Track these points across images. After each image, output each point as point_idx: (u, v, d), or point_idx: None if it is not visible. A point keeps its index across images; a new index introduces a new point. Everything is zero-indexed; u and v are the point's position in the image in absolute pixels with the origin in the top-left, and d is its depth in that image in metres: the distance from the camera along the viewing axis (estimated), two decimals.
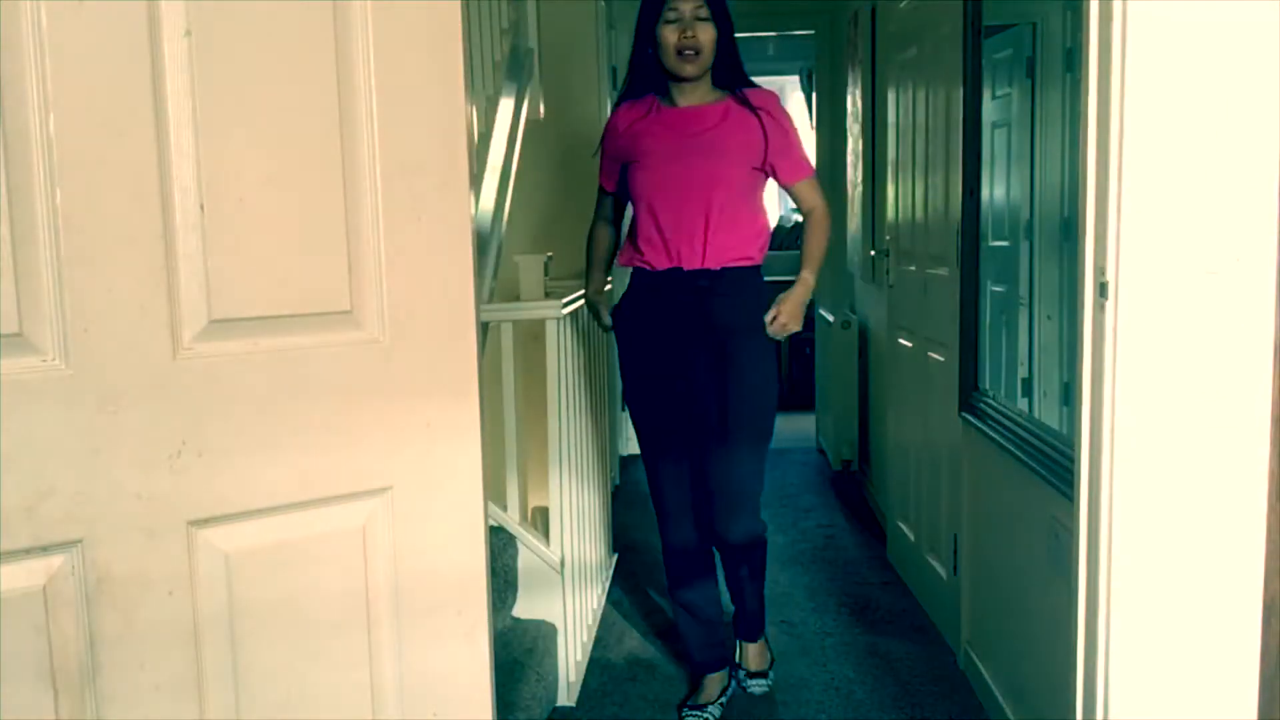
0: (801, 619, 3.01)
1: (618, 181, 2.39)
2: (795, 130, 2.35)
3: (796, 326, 2.27)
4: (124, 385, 1.02)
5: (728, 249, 2.25)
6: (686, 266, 2.25)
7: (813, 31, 5.01)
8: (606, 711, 2.49)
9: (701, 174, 2.24)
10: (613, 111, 2.43)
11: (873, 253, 4.02)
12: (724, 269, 2.25)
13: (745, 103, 2.28)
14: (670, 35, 2.20)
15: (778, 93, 2.38)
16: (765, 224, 2.34)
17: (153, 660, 1.06)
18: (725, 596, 2.57)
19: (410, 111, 1.17)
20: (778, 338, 2.29)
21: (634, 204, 2.34)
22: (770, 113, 2.30)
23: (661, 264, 2.27)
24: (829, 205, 2.40)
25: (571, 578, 2.58)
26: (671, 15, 2.20)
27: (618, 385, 4.81)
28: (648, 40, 2.24)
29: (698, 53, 2.20)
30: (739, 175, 2.26)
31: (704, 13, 2.20)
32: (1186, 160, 1.31)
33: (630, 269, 2.38)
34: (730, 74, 2.29)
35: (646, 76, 2.29)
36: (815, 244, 2.35)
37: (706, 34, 2.20)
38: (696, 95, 2.29)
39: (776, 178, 2.34)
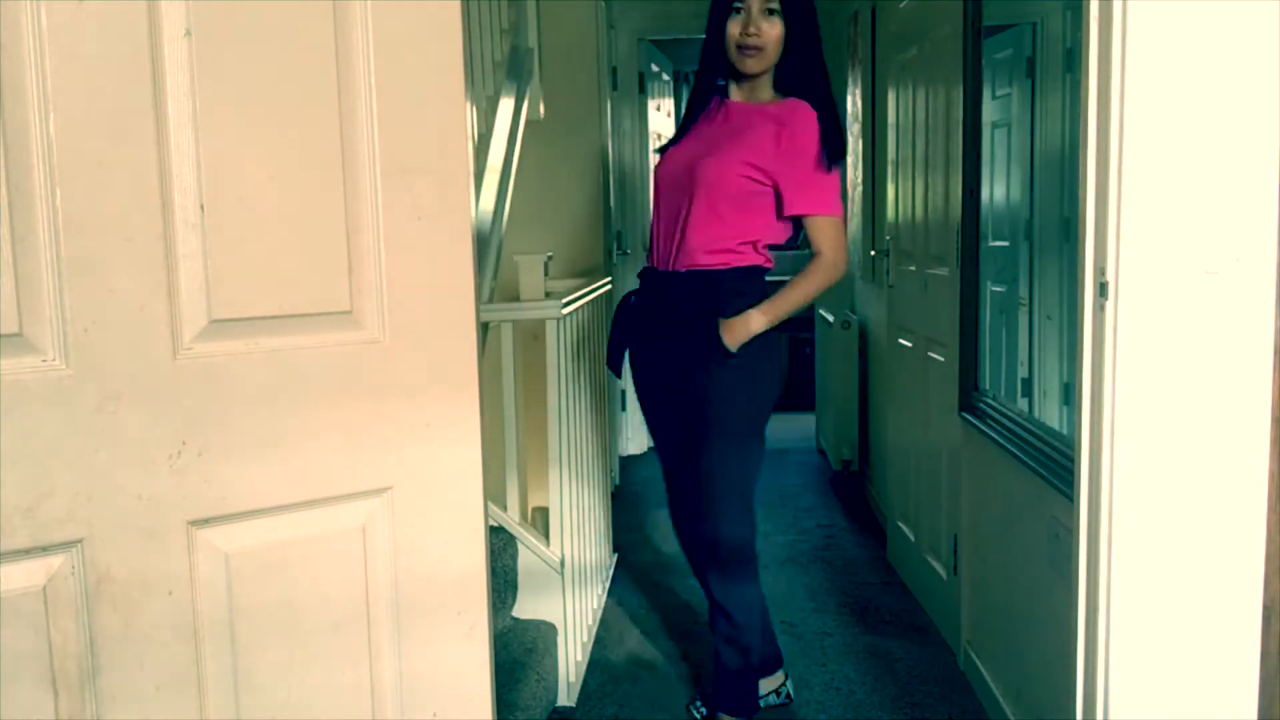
0: (801, 619, 3.01)
1: None
2: (818, 158, 2.09)
3: (730, 347, 2.07)
4: (124, 385, 1.02)
5: (693, 252, 2.12)
6: (660, 267, 2.20)
7: (813, 75, 5.00)
8: (606, 711, 2.49)
9: (689, 173, 2.14)
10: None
11: (873, 253, 4.02)
12: (690, 271, 2.13)
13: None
14: (733, 28, 2.10)
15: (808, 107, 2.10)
16: (746, 230, 2.13)
17: (153, 660, 1.06)
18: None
19: (410, 111, 1.17)
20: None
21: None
22: (788, 126, 2.09)
23: (655, 264, 2.24)
24: (843, 258, 2.14)
25: (571, 578, 2.58)
26: (738, 4, 2.09)
27: (617, 385, 4.81)
28: (716, 30, 2.13)
29: (760, 50, 2.08)
30: (728, 177, 2.10)
31: (774, 3, 2.08)
32: (1186, 160, 1.31)
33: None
34: (796, 78, 2.13)
35: (715, 66, 2.18)
36: (793, 286, 2.11)
37: (773, 30, 2.08)
38: (752, 93, 2.18)
39: (780, 204, 2.10)
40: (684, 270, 2.13)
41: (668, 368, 2.20)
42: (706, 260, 2.12)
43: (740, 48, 2.09)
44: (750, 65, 2.10)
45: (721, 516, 2.16)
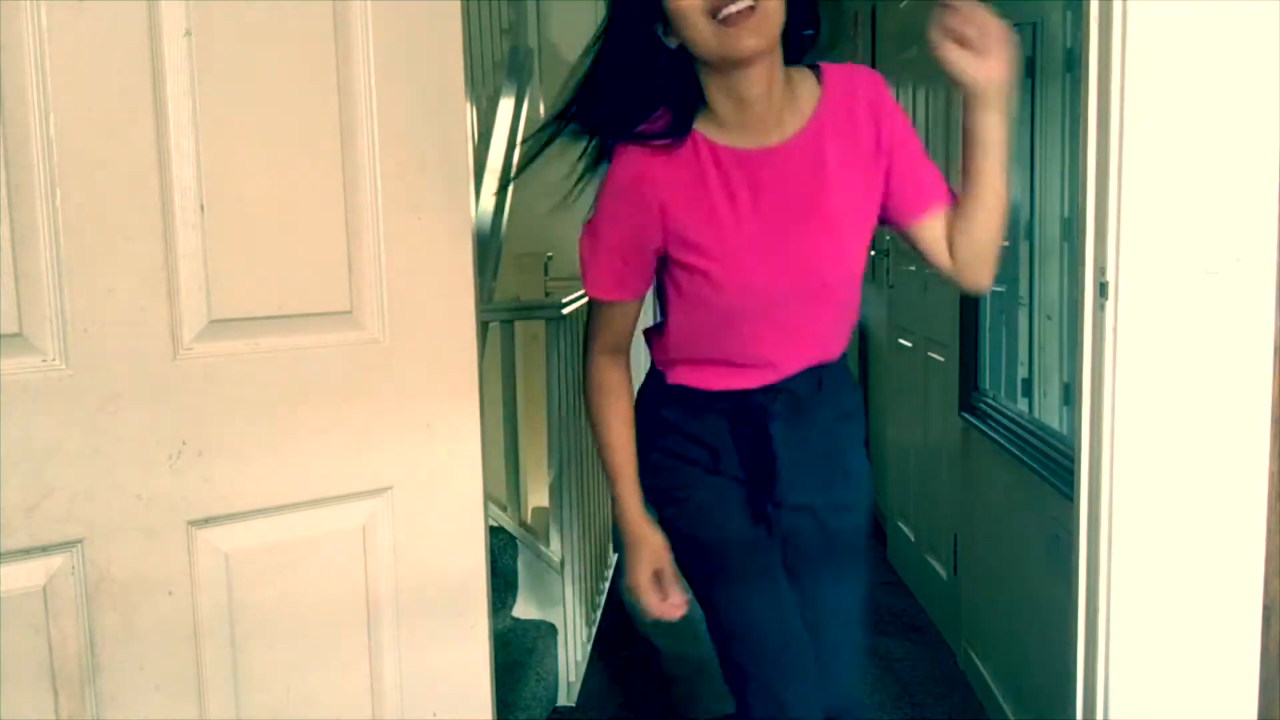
0: None
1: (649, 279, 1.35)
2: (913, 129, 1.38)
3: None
4: (124, 385, 1.02)
5: (837, 344, 1.43)
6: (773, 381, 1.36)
7: (813, 32, 5.01)
8: (606, 711, 2.49)
9: (812, 270, 1.31)
10: (618, 162, 1.27)
11: (873, 253, 4.02)
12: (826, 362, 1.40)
13: (842, 94, 1.30)
14: None
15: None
16: None
17: (153, 660, 1.06)
18: None
19: (410, 111, 1.17)
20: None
21: (684, 312, 1.34)
22: (864, 107, 1.31)
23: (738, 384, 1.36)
24: None
25: (571, 578, 2.58)
26: None
27: None
28: (649, 19, 1.18)
29: (753, 7, 1.13)
30: (862, 249, 1.35)
31: None
32: (1186, 160, 1.31)
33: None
34: (805, 44, 1.31)
35: (656, 92, 1.24)
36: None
37: None
38: (773, 111, 1.25)
39: (897, 216, 1.36)
40: (818, 363, 1.39)
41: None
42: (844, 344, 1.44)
43: (720, 17, 1.13)
44: (747, 40, 1.15)
45: (861, 664, 1.49)
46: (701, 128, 1.27)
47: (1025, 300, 3.41)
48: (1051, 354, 3.28)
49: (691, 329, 1.35)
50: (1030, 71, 3.30)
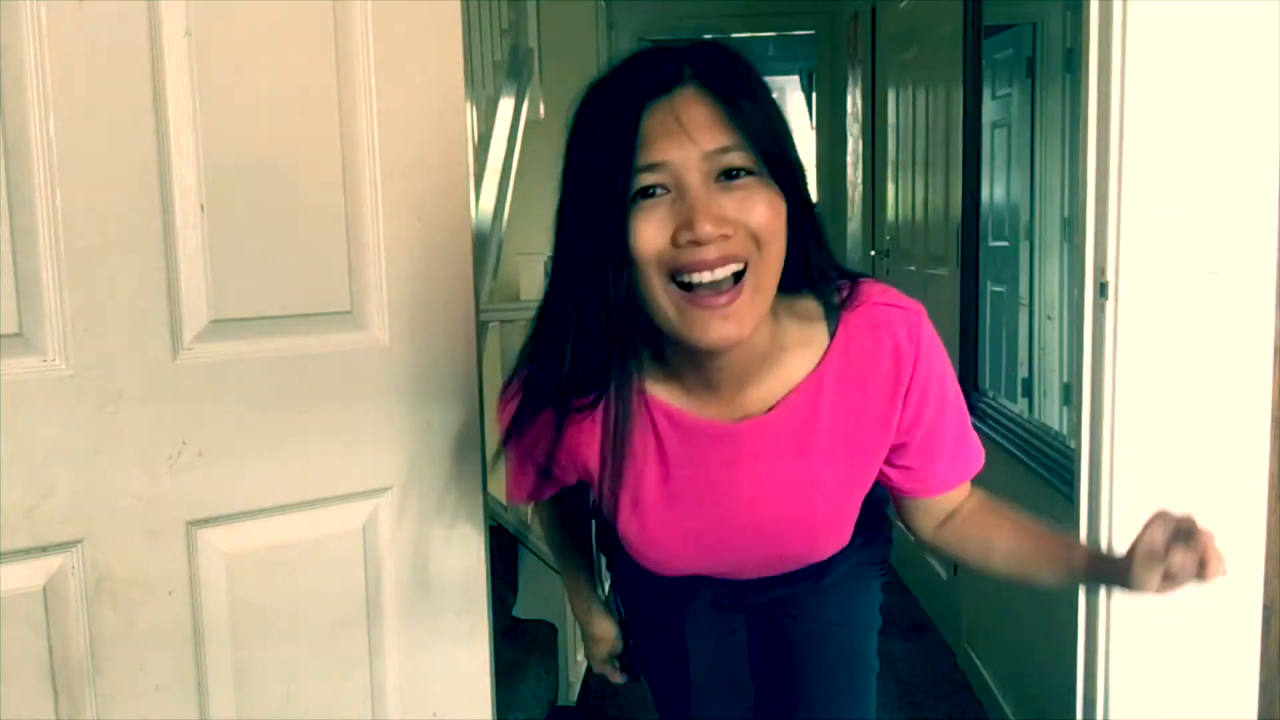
0: None
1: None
2: (956, 388, 1.08)
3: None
4: (124, 385, 1.02)
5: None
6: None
7: (813, 31, 5.01)
8: (606, 711, 2.49)
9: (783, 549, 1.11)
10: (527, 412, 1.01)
11: (873, 253, 4.02)
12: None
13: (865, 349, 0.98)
14: (656, 233, 0.87)
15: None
16: None
17: (153, 661, 1.06)
18: None
19: (410, 111, 1.17)
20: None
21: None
22: (921, 368, 0.99)
23: None
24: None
25: None
26: (649, 176, 0.87)
27: None
28: (599, 255, 0.92)
29: (739, 276, 0.87)
30: (849, 522, 1.09)
31: (742, 156, 0.86)
32: (1186, 160, 1.31)
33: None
34: (805, 275, 0.96)
35: (584, 316, 0.96)
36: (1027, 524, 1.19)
37: (757, 209, 0.86)
38: (747, 377, 0.98)
39: (886, 483, 1.10)
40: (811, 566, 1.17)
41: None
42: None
43: (677, 276, 0.87)
44: (719, 327, 0.87)
45: None
46: (644, 370, 0.99)
47: (1025, 300, 3.42)
48: (1051, 354, 3.29)
49: None
50: (1030, 71, 3.30)
